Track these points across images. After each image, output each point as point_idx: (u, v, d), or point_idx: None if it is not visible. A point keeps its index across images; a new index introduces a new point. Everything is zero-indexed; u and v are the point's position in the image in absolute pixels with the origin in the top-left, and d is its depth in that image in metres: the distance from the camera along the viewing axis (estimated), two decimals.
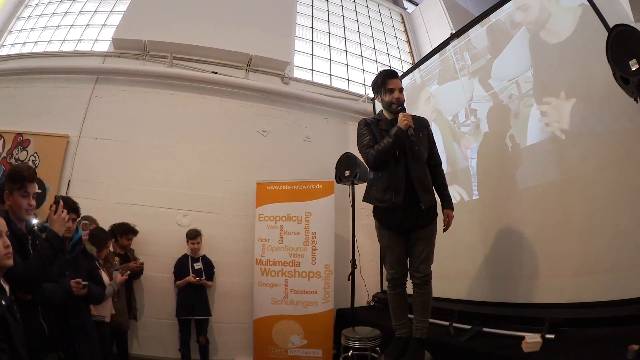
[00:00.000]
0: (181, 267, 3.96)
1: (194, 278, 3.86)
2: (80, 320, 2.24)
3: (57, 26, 5.54)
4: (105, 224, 3.65)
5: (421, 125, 2.39)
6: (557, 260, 2.55)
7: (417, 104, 4.25)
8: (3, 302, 1.31)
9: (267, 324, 3.98)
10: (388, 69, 2.48)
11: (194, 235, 3.98)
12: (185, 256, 4.01)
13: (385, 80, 2.34)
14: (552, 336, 2.14)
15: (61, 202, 1.96)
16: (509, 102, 3.15)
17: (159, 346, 4.02)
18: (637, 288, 2.02)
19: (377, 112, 4.68)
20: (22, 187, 1.79)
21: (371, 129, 2.39)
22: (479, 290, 3.15)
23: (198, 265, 3.99)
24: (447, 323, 2.80)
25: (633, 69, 1.72)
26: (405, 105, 2.34)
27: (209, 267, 4.03)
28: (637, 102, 1.77)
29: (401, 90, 2.34)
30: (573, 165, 2.58)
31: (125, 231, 3.77)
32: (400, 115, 2.24)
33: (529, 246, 2.76)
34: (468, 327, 2.67)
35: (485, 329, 2.58)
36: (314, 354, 3.87)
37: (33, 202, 1.85)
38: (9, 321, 1.26)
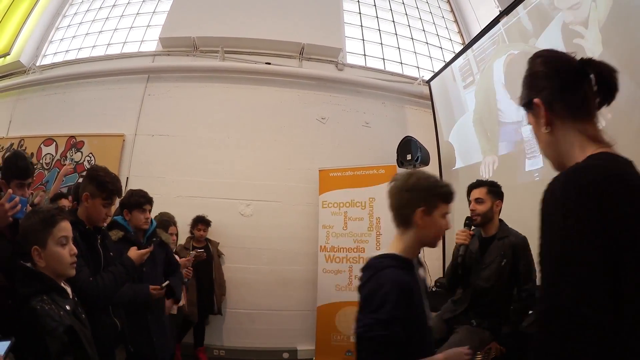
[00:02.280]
0: None
1: None
2: (158, 314, 2.25)
3: (100, 32, 5.62)
4: None
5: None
6: None
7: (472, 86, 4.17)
8: (68, 307, 1.27)
9: (331, 310, 3.92)
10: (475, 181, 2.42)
11: None
12: None
13: (468, 192, 2.37)
14: None
15: (152, 247, 1.97)
16: None
17: (219, 335, 4.02)
18: None
19: (433, 95, 4.65)
20: (108, 197, 1.76)
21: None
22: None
23: None
24: None
25: None
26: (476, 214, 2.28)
27: None
28: None
29: (477, 200, 2.29)
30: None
31: (194, 222, 3.76)
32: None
33: None
34: (529, 312, 2.60)
35: None
36: None
37: (111, 212, 1.84)
38: (75, 328, 1.23)
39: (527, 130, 3.64)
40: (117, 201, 1.97)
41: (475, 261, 2.26)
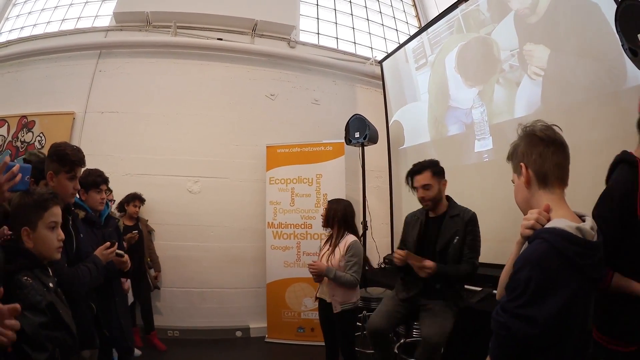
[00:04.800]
0: None
1: None
2: (122, 296, 2.27)
3: (55, 7, 5.48)
4: (116, 196, 3.64)
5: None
6: None
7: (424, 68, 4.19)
8: (51, 285, 1.28)
9: (280, 287, 3.97)
10: (413, 166, 2.34)
11: None
12: None
13: (410, 178, 2.31)
14: None
15: (116, 244, 1.95)
16: (509, 72, 3.09)
17: (172, 315, 4.01)
18: None
19: (384, 76, 4.67)
20: (70, 170, 1.69)
21: (407, 228, 2.40)
22: (489, 253, 3.08)
23: None
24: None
25: None
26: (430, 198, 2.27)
27: None
28: None
29: (424, 186, 2.24)
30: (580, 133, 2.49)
31: (130, 198, 3.72)
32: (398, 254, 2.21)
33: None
34: (478, 289, 2.69)
35: (495, 291, 2.58)
36: None
37: (78, 186, 1.77)
38: (57, 305, 1.25)
39: (477, 113, 3.69)
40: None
41: (425, 242, 2.29)
